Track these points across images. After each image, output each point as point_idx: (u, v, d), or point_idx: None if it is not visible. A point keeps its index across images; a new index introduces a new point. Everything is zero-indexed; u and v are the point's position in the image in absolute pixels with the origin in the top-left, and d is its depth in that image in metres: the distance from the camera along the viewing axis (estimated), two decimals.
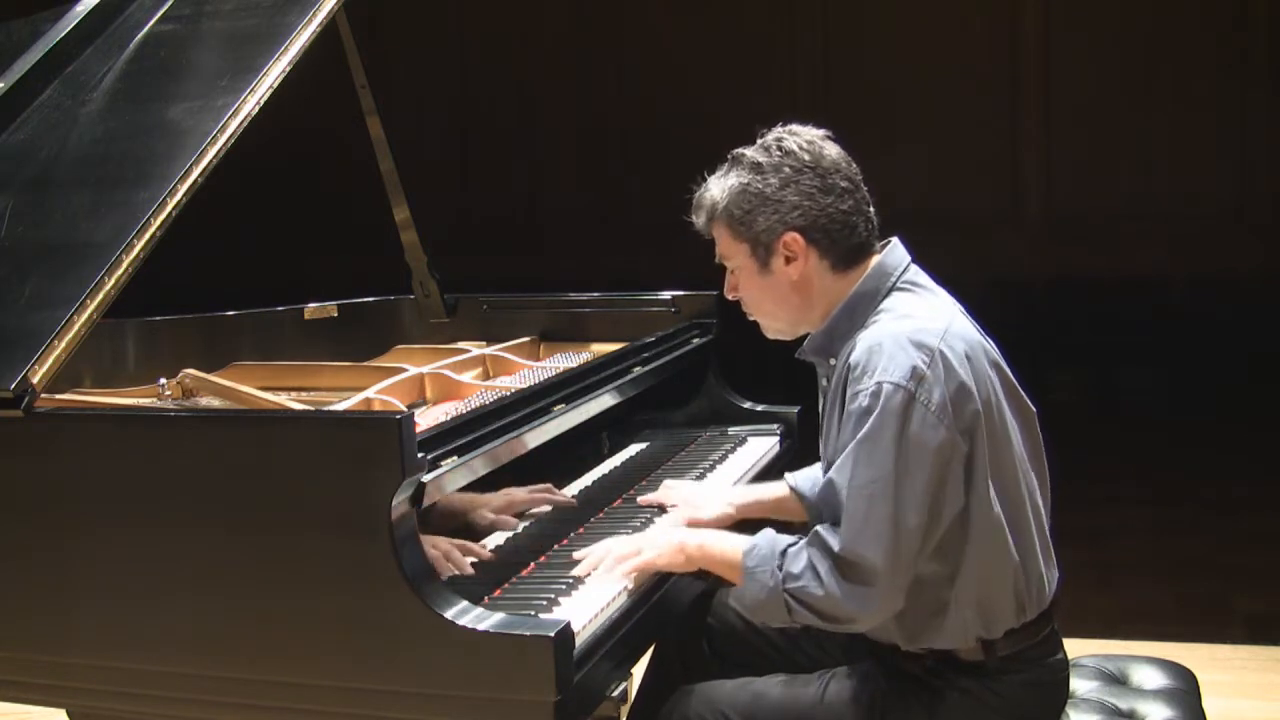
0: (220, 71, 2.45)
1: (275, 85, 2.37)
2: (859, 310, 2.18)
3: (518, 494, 2.44)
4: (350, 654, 1.90)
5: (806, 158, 2.16)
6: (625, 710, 2.25)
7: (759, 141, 2.21)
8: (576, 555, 2.21)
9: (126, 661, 2.04)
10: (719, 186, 2.21)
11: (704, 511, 2.44)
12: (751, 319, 2.30)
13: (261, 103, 2.34)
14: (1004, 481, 2.12)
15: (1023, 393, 2.20)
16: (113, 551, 2.02)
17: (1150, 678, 2.49)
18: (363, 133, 3.29)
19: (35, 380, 2.02)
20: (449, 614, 1.84)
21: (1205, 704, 2.44)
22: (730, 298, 2.29)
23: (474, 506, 2.33)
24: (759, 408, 3.16)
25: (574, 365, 2.88)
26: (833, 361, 2.20)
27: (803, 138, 2.18)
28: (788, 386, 3.44)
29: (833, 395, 2.19)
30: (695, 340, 3.16)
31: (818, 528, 2.09)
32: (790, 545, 2.10)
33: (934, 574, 2.11)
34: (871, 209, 2.21)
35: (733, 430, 3.10)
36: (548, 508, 2.48)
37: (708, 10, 9.60)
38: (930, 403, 2.02)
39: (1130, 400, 7.28)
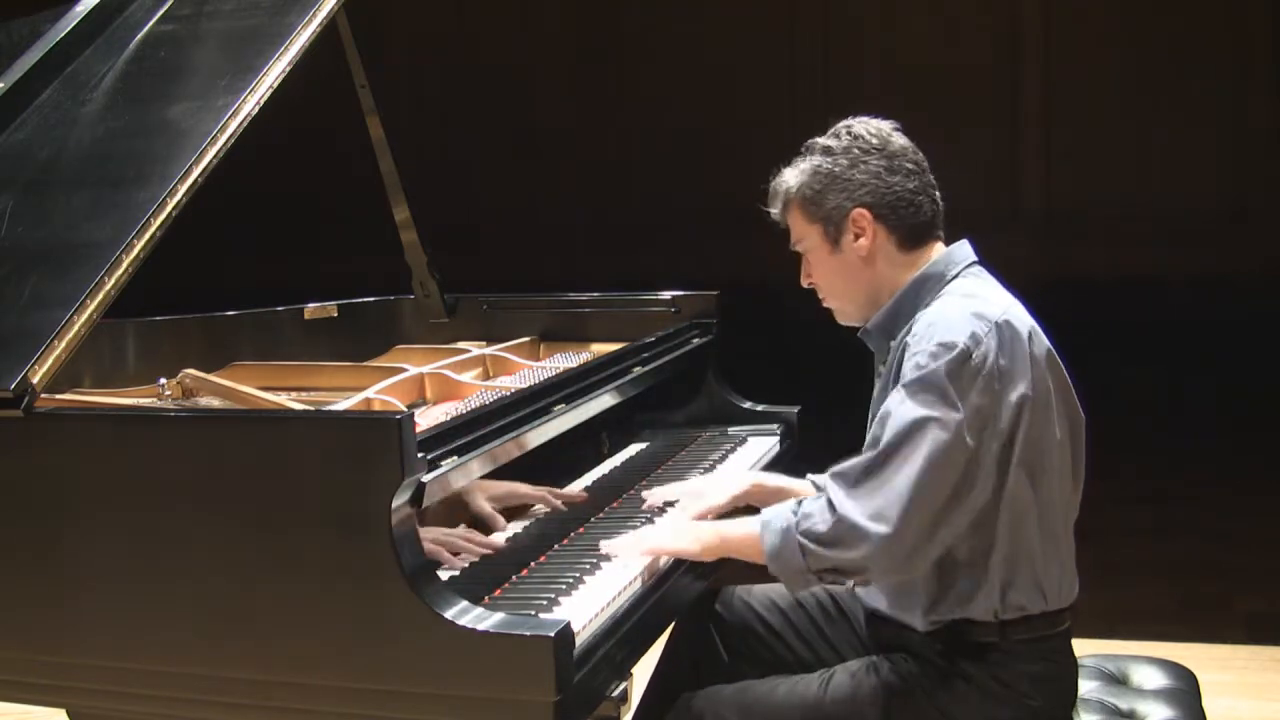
0: (220, 71, 2.45)
1: (275, 85, 2.37)
2: (924, 291, 2.25)
3: (521, 488, 2.44)
4: (350, 654, 1.90)
5: (875, 141, 2.26)
6: (625, 710, 2.25)
7: (830, 131, 2.31)
8: (603, 546, 2.26)
9: (126, 661, 2.03)
10: (792, 173, 2.31)
11: (709, 499, 2.43)
12: (825, 305, 2.37)
13: (261, 103, 2.34)
14: (1043, 467, 2.16)
15: (1075, 398, 2.24)
16: (113, 551, 2.01)
17: (1150, 678, 2.49)
18: (362, 133, 3.29)
19: (35, 380, 2.01)
20: (449, 614, 1.84)
21: (1205, 704, 2.44)
22: (805, 285, 2.37)
23: (476, 494, 2.34)
24: (759, 408, 3.15)
25: (574, 365, 2.88)
26: (892, 344, 2.25)
27: (870, 125, 2.29)
28: (787, 386, 3.45)
29: (888, 375, 2.23)
30: (695, 340, 3.15)
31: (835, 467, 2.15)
32: (806, 498, 2.19)
33: (963, 545, 2.14)
34: (938, 194, 2.30)
35: (733, 430, 3.10)
36: (546, 508, 2.48)
37: (707, 11, 9.61)
38: (984, 365, 2.08)
39: (1130, 400, 7.27)
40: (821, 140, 2.30)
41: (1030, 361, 2.13)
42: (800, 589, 2.30)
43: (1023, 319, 2.18)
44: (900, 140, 2.29)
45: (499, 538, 2.31)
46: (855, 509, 2.07)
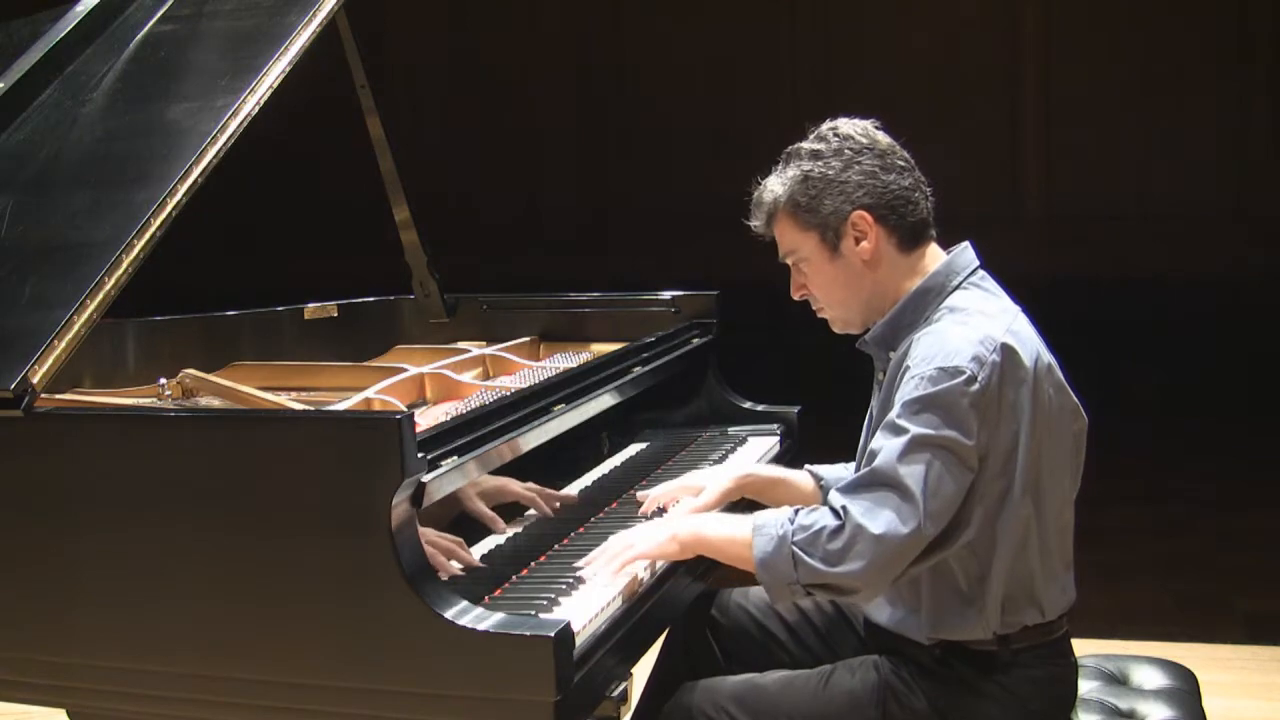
0: (220, 71, 2.45)
1: (275, 85, 2.37)
2: (925, 302, 2.19)
3: (512, 485, 2.43)
4: (350, 654, 1.90)
5: (864, 140, 2.20)
6: (625, 710, 2.25)
7: (810, 135, 2.23)
8: (578, 565, 2.20)
9: (126, 661, 2.04)
10: (778, 182, 2.23)
11: (705, 494, 2.40)
12: (821, 315, 2.30)
13: (261, 103, 2.34)
14: (1046, 486, 2.13)
15: (1079, 404, 2.20)
16: (113, 551, 2.02)
17: (1150, 678, 2.49)
18: (362, 133, 3.29)
19: (35, 380, 2.02)
20: (449, 614, 1.84)
21: (1205, 704, 2.44)
22: (797, 297, 2.30)
23: (470, 496, 2.33)
24: (759, 408, 3.16)
25: (574, 365, 2.88)
26: (892, 354, 2.21)
27: (856, 125, 2.23)
28: (787, 386, 3.45)
29: (887, 388, 2.19)
30: (695, 340, 3.16)
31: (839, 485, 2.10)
32: (803, 507, 2.11)
33: (962, 566, 2.13)
34: (929, 189, 2.24)
35: (733, 430, 3.10)
36: (536, 512, 2.46)
37: (707, 10, 9.60)
38: (986, 392, 2.04)
39: (1130, 400, 7.27)
40: (807, 145, 2.22)
41: (1034, 381, 2.10)
42: (783, 601, 2.25)
43: (1026, 336, 2.14)
44: (885, 137, 2.23)
45: (497, 539, 2.31)
46: (869, 517, 2.01)
